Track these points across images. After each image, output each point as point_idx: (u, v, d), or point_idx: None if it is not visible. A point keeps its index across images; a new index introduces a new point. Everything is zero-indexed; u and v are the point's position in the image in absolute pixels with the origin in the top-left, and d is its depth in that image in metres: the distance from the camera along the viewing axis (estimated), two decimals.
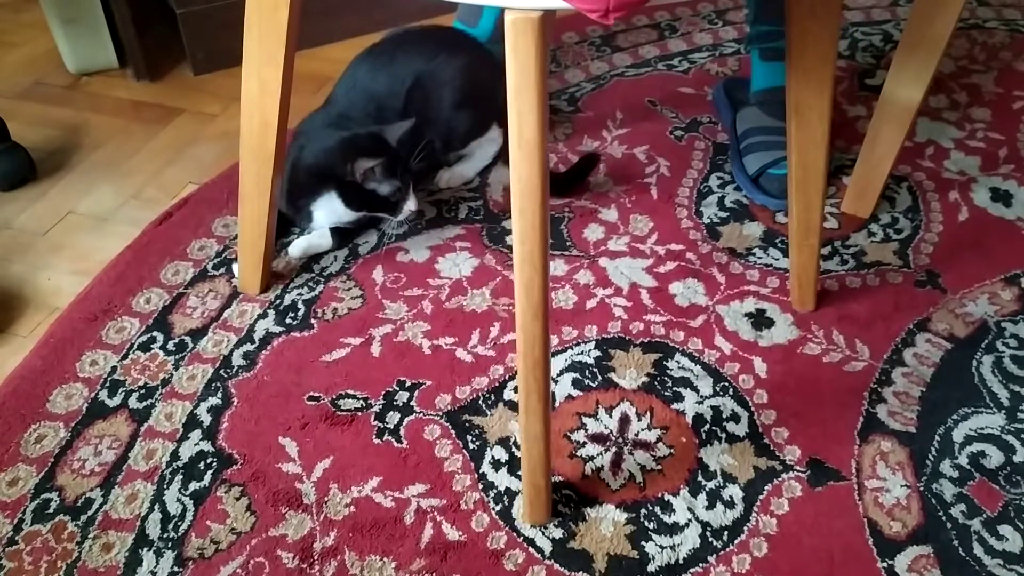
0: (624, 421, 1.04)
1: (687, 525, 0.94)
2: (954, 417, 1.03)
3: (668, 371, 1.09)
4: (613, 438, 1.03)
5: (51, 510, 0.96)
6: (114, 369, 1.11)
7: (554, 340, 1.13)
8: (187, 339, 1.15)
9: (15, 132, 1.42)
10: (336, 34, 1.74)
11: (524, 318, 0.81)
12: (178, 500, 0.97)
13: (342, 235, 1.26)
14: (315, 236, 1.25)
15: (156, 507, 0.97)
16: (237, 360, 1.11)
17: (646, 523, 0.94)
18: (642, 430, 1.03)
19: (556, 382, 1.08)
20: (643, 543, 0.93)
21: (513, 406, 1.06)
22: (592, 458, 1.01)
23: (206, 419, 1.05)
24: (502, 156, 1.41)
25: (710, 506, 0.96)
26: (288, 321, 1.17)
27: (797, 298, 1.17)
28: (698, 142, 1.44)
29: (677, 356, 1.11)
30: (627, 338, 1.13)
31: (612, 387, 1.08)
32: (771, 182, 1.32)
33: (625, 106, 1.52)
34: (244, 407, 1.06)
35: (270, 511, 0.96)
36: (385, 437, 1.03)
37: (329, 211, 1.23)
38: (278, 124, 1.03)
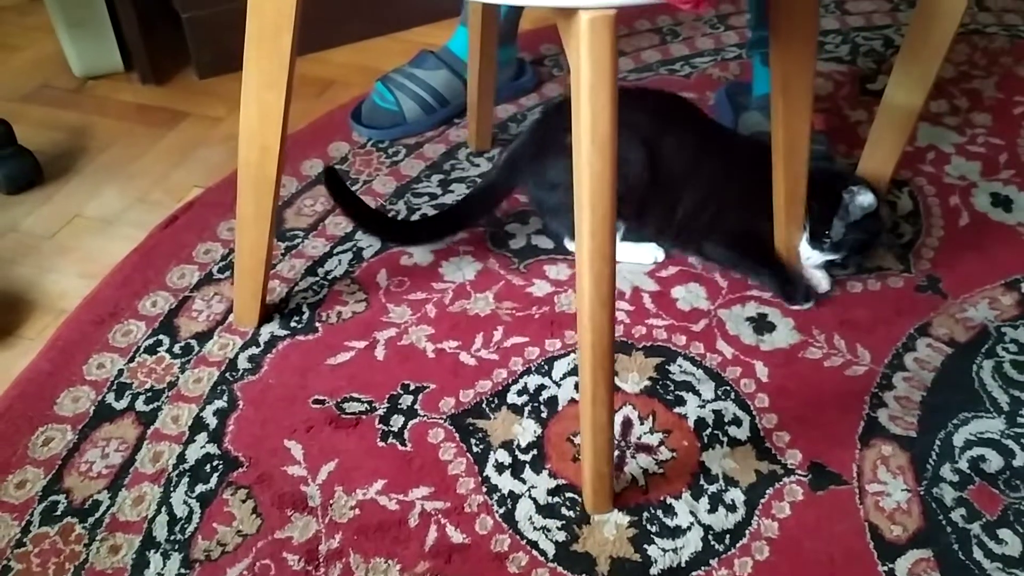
0: (627, 425, 1.05)
1: (689, 528, 0.95)
2: (954, 421, 1.04)
3: (670, 375, 1.10)
4: (615, 441, 1.03)
5: (59, 512, 0.97)
6: (121, 372, 1.12)
7: (557, 344, 1.14)
8: (193, 342, 1.16)
9: (21, 135, 1.43)
10: (340, 38, 1.75)
11: (593, 308, 0.82)
12: (185, 502, 0.98)
13: None
14: None
15: (163, 509, 0.97)
16: (243, 363, 1.12)
17: (648, 526, 0.95)
18: (644, 434, 1.04)
19: (559, 386, 1.09)
20: (645, 546, 0.93)
21: (516, 409, 1.06)
22: None
23: (212, 422, 1.06)
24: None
25: (712, 509, 0.96)
26: (293, 325, 1.17)
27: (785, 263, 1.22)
28: None
29: (679, 360, 1.12)
30: (629, 342, 1.14)
31: (615, 391, 1.08)
32: None
33: None
34: (250, 410, 1.07)
35: (276, 513, 0.97)
36: (390, 440, 1.04)
37: None
38: (279, 149, 1.01)
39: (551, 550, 0.93)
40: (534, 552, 0.93)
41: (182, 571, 0.92)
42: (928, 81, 1.20)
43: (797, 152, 1.08)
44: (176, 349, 1.15)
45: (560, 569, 0.92)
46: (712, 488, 0.98)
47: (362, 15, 1.74)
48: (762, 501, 0.97)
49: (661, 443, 1.03)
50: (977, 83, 1.57)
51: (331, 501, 0.98)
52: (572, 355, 1.13)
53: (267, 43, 0.93)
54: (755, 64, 1.44)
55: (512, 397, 1.08)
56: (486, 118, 1.43)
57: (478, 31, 1.31)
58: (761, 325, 1.16)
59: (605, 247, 0.79)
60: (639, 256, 1.24)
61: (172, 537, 0.95)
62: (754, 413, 1.06)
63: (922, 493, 0.97)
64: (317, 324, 1.17)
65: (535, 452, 1.02)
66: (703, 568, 0.92)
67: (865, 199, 1.14)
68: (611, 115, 0.74)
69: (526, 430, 1.04)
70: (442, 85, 1.50)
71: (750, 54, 1.49)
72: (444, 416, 1.06)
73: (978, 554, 0.92)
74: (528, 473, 1.00)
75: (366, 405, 1.07)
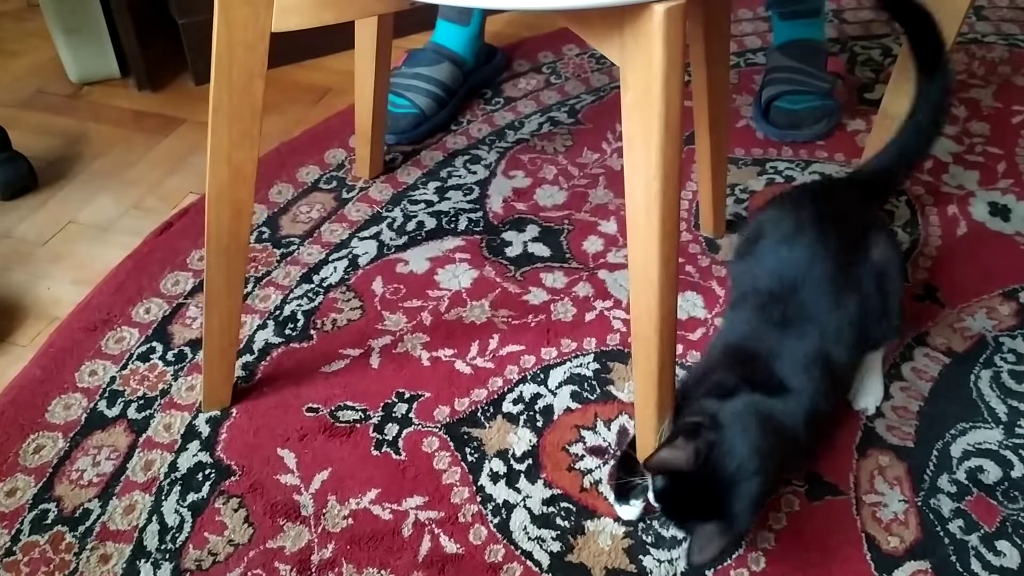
0: (623, 434, 1.04)
1: (686, 539, 0.94)
2: (952, 432, 1.03)
3: None
4: (612, 451, 1.03)
5: (49, 521, 0.96)
6: (113, 379, 1.11)
7: (553, 352, 1.13)
8: (186, 349, 1.15)
9: (16, 141, 1.43)
10: (337, 45, 1.74)
11: (663, 293, 0.83)
12: (176, 511, 0.97)
13: None
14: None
15: (154, 518, 0.97)
16: (236, 371, 1.11)
17: (644, 537, 0.94)
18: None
19: (555, 395, 1.08)
20: (641, 557, 0.93)
21: (511, 418, 1.06)
22: (591, 471, 1.01)
23: (205, 430, 1.05)
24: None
25: None
26: (287, 332, 1.17)
27: (712, 225, 1.28)
28: None
29: (676, 369, 1.11)
30: (626, 351, 1.13)
31: (611, 400, 1.08)
32: (779, 115, 1.46)
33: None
34: (243, 418, 1.06)
35: (268, 523, 0.96)
36: (384, 449, 1.03)
37: None
38: (251, 208, 0.94)
39: (546, 560, 0.93)
40: (528, 563, 0.92)
41: None
42: None
43: (724, 121, 1.17)
44: (169, 356, 1.14)
45: None
46: None
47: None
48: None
49: None
50: (975, 92, 1.56)
51: (324, 510, 0.97)
52: (568, 364, 1.12)
53: (238, 94, 0.86)
54: (773, 20, 1.59)
55: (507, 406, 1.07)
56: (378, 143, 1.40)
57: (372, 52, 1.28)
58: None
59: (673, 232, 0.82)
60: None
61: (163, 546, 0.94)
62: None
63: (919, 504, 0.97)
64: (312, 332, 1.17)
65: (530, 461, 1.01)
66: None
67: None
68: (680, 103, 0.76)
69: (521, 439, 1.04)
70: (448, 77, 1.53)
71: (769, 12, 1.61)
72: (439, 425, 1.05)
73: (976, 566, 0.91)
74: (523, 483, 0.99)
75: (360, 413, 1.07)
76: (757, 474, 0.83)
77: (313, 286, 1.24)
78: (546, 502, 0.98)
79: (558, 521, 0.96)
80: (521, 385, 1.09)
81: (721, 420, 0.85)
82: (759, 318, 0.95)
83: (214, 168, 0.89)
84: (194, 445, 1.03)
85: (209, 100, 0.85)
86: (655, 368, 0.88)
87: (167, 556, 0.93)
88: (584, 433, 1.04)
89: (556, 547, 0.94)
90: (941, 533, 0.94)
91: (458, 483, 0.99)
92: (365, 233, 1.32)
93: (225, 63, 0.84)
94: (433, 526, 0.95)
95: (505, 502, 0.98)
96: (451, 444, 1.03)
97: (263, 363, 1.13)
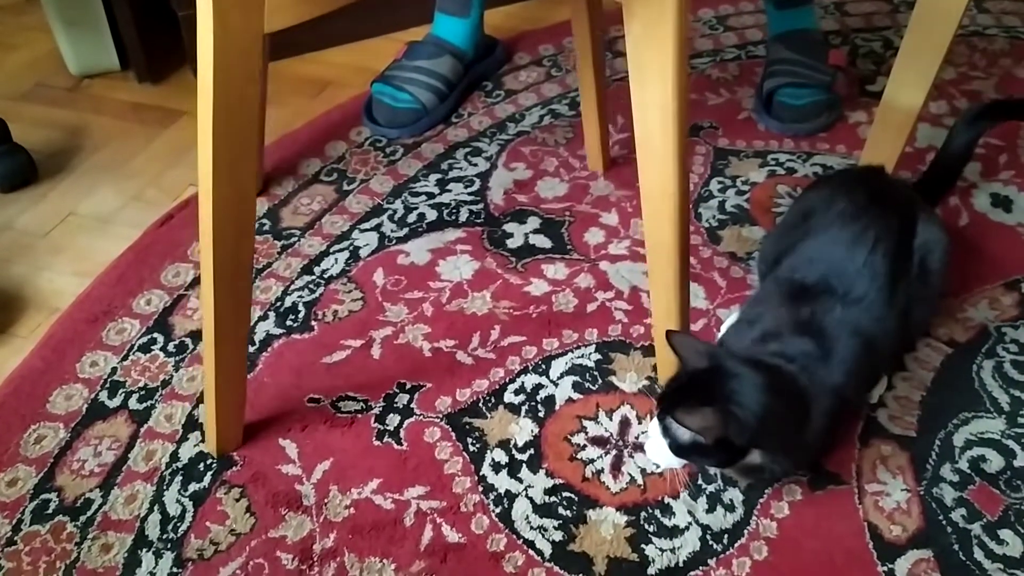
0: (624, 424, 1.04)
1: (687, 528, 0.94)
2: (954, 421, 1.03)
3: None
4: (613, 441, 1.02)
5: (50, 510, 0.96)
6: (114, 370, 1.11)
7: (554, 343, 1.13)
8: (187, 340, 1.15)
9: (17, 134, 1.42)
10: (336, 38, 1.74)
11: (680, 203, 0.88)
12: (178, 501, 0.97)
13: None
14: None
15: (155, 508, 0.96)
16: None
17: (646, 526, 0.94)
18: (642, 433, 1.03)
19: (556, 385, 1.08)
20: (643, 546, 0.93)
21: (513, 408, 1.06)
22: (592, 461, 1.00)
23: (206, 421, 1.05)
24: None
25: (710, 509, 0.95)
26: (288, 323, 1.17)
27: (600, 162, 1.38)
28: (699, 147, 1.44)
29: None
30: (628, 341, 1.13)
31: (612, 390, 1.08)
32: (782, 109, 1.46)
33: (626, 110, 1.51)
34: (245, 409, 1.06)
35: (270, 512, 0.96)
36: (385, 439, 1.03)
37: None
38: (254, 227, 0.87)
39: (548, 550, 0.92)
40: (530, 552, 0.92)
41: (174, 570, 0.91)
42: (928, 82, 1.20)
43: None
44: (170, 347, 1.14)
45: (557, 569, 0.91)
46: (710, 488, 0.97)
47: (359, 14, 1.74)
48: (760, 501, 0.96)
49: None
50: (977, 84, 1.56)
51: (326, 500, 0.97)
52: (570, 354, 1.12)
53: (236, 105, 0.78)
54: (768, 10, 1.56)
55: (509, 396, 1.07)
56: (260, 160, 1.33)
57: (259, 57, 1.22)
58: None
59: (687, 150, 0.87)
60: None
61: (164, 536, 0.94)
62: None
63: (922, 493, 0.96)
64: (313, 323, 1.17)
65: (532, 451, 1.01)
66: (701, 568, 0.91)
67: None
68: (687, 32, 0.80)
69: (523, 429, 1.04)
70: (449, 70, 1.52)
71: (765, 3, 1.59)
72: (440, 415, 1.05)
73: (979, 554, 0.91)
74: (525, 472, 0.99)
75: (362, 404, 1.07)
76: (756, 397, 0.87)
77: (314, 277, 1.23)
78: (548, 492, 0.98)
79: (560, 510, 0.96)
80: (523, 376, 1.09)
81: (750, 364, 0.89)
82: (800, 299, 0.98)
83: (217, 191, 0.80)
84: (195, 435, 1.03)
85: (199, 119, 0.78)
86: (675, 281, 0.92)
87: (169, 545, 0.93)
88: (586, 423, 1.04)
89: (558, 536, 0.94)
90: (944, 522, 0.94)
91: (460, 473, 0.99)
92: (366, 225, 1.32)
93: (222, 76, 0.75)
94: (435, 516, 0.95)
95: (507, 492, 0.97)
96: (453, 434, 1.03)
97: (264, 354, 1.13)
